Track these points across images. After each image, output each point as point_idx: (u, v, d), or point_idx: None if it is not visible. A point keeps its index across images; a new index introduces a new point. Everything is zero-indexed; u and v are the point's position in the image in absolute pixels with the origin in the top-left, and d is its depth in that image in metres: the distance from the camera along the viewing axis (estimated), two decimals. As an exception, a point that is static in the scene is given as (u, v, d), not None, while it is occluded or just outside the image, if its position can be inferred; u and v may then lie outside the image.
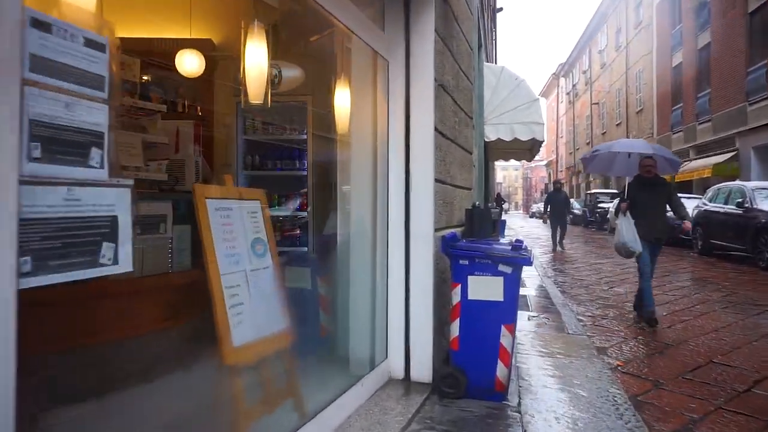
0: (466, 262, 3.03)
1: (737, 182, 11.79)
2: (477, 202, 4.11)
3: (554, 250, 13.17)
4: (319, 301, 3.35)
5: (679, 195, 15.85)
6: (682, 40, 21.30)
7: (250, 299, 2.14)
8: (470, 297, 3.02)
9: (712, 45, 18.53)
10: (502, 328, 2.98)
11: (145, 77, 3.39)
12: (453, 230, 3.72)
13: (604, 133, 33.65)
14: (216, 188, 2.17)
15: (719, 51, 18.00)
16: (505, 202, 28.93)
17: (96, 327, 2.23)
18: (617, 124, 30.58)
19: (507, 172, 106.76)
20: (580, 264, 10.50)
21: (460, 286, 3.04)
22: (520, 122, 7.66)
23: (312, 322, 3.34)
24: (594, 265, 10.31)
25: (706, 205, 12.34)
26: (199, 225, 1.99)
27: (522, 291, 6.69)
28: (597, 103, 35.18)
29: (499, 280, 2.98)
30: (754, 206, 10.13)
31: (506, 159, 12.69)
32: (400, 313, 3.23)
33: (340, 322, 3.34)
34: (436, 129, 3.34)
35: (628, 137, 28.08)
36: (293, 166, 3.85)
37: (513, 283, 2.99)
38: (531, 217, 52.05)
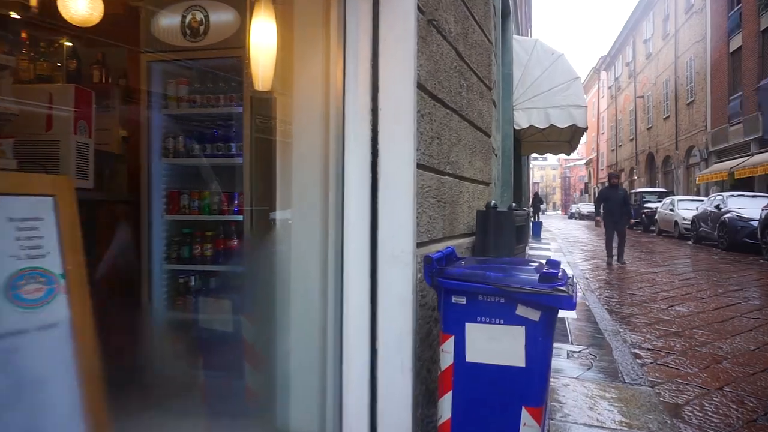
0: (463, 301, 1.83)
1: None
2: (494, 201, 2.89)
3: (609, 263, 10.13)
4: (244, 350, 2.23)
5: (741, 192, 13.96)
6: (741, 22, 19.28)
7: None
8: (470, 358, 1.82)
9: (778, 25, 16.55)
10: (524, 411, 1.76)
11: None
12: (452, 244, 2.51)
13: (649, 128, 31.48)
14: None
15: (786, 31, 16.03)
16: (542, 202, 27.26)
17: None
18: (665, 118, 28.43)
19: (544, 172, 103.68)
20: (629, 273, 9.03)
21: (453, 338, 1.84)
22: (557, 106, 6.36)
23: (233, 381, 2.21)
24: (646, 275, 8.84)
25: (778, 204, 10.64)
26: None
27: (560, 312, 5.41)
28: (642, 97, 32.97)
29: (519, 333, 1.77)
30: (844, 206, 8.46)
31: (541, 153, 11.25)
32: (362, 373, 2.05)
33: (273, 380, 2.20)
34: (421, 86, 2.15)
35: (677, 131, 26.02)
36: (227, 150, 2.73)
37: (542, 337, 1.77)
38: (570, 218, 49.80)
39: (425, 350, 2.15)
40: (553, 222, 38.11)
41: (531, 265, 2.00)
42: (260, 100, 2.55)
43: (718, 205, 14.06)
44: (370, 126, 2.07)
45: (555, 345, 4.25)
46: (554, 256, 11.45)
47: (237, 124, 2.67)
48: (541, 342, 1.75)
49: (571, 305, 1.69)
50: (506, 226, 2.76)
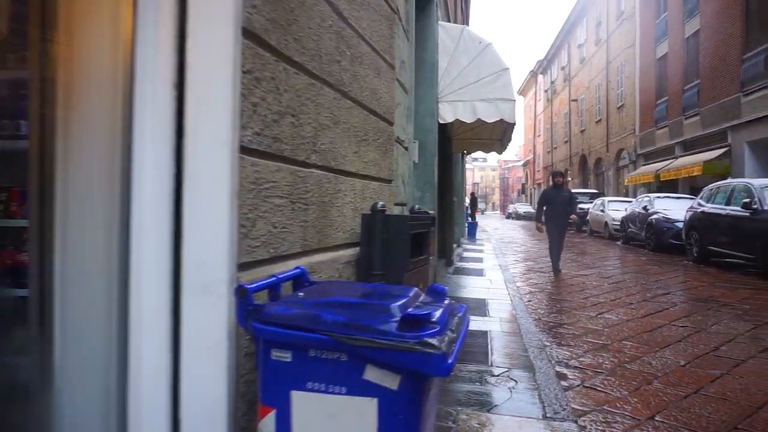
0: (288, 357, 1.19)
1: (742, 179, 10.24)
2: (381, 203, 2.28)
3: (556, 273, 8.86)
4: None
5: (667, 194, 14.19)
6: (668, 29, 19.89)
7: None
8: (297, 446, 1.19)
9: (702, 32, 17.10)
10: None
11: None
12: (323, 259, 1.88)
13: (582, 131, 32.33)
14: None
15: (710, 38, 16.56)
16: (478, 203, 27.29)
17: None
18: (597, 121, 29.22)
19: (485, 172, 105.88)
20: (561, 277, 8.76)
21: (274, 413, 1.20)
22: (485, 99, 5.88)
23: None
24: (577, 278, 8.59)
25: (702, 206, 10.77)
26: None
27: (483, 323, 4.92)
28: (576, 100, 33.86)
29: (368, 408, 1.15)
30: (765, 207, 8.54)
31: (472, 151, 10.87)
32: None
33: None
34: (252, 36, 1.49)
35: (608, 134, 26.73)
36: (16, 130, 1.98)
37: (404, 415, 1.15)
38: (507, 218, 50.77)
39: (254, 419, 1.51)
40: (490, 222, 38.55)
41: (404, 297, 1.39)
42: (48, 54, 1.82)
43: (646, 206, 14.27)
44: (174, 91, 1.40)
45: (473, 368, 3.74)
46: (487, 258, 11.17)
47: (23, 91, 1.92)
48: (402, 422, 1.14)
49: (442, 369, 1.08)
50: (398, 235, 2.16)
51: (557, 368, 3.79)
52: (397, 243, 2.14)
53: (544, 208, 8.87)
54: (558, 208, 8.67)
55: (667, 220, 12.91)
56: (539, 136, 48.36)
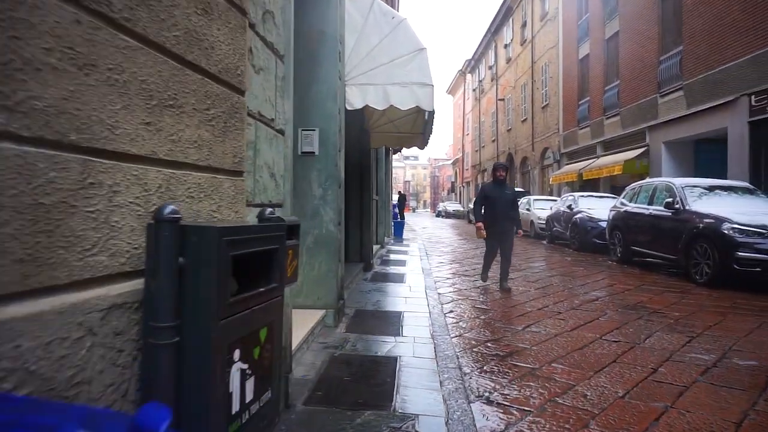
0: None
1: (664, 179, 10.15)
2: (170, 208, 1.37)
3: (484, 279, 7.75)
4: None
5: (591, 193, 14.14)
6: (589, 30, 20.20)
7: None
8: None
9: (621, 33, 17.38)
10: None
11: None
12: (69, 301, 0.95)
13: (509, 130, 32.73)
14: None
15: (628, 39, 16.83)
16: (409, 201, 26.84)
17: None
18: (523, 120, 29.59)
19: (416, 170, 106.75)
20: (486, 283, 8.19)
21: None
22: (398, 83, 5.09)
23: None
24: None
25: (625, 205, 10.63)
26: None
27: (394, 347, 4.10)
28: (503, 99, 34.25)
29: None
30: (686, 207, 8.38)
31: (392, 145, 10.13)
32: None
33: None
34: None
35: (533, 133, 27.05)
36: None
37: None
38: (437, 216, 50.99)
39: None
40: (420, 220, 38.36)
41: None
42: None
43: (570, 205, 14.18)
44: None
45: (370, 418, 2.90)
46: (411, 261, 10.49)
47: None
48: None
49: None
50: (201, 259, 1.28)
51: (477, 406, 3.05)
52: (201, 273, 1.27)
53: (483, 207, 7.26)
54: (499, 210, 7.06)
55: (591, 219, 12.82)
56: (468, 134, 48.87)
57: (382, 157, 12.63)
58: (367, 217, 8.50)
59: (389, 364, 3.71)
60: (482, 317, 5.56)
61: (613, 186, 18.77)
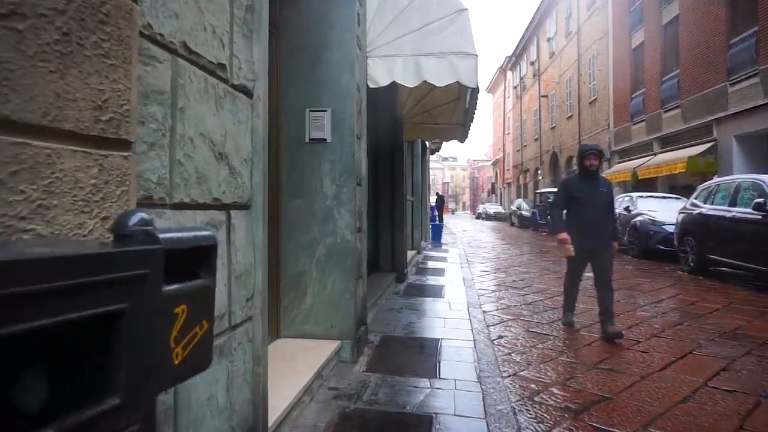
0: None
1: (748, 175, 8.70)
2: None
3: (568, 322, 5.25)
4: None
5: (651, 193, 12.70)
6: (643, 16, 18.56)
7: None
8: None
9: (681, 17, 15.75)
10: None
11: None
12: None
13: (553, 128, 31.07)
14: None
15: (691, 23, 15.21)
16: (445, 202, 25.66)
17: None
18: (568, 117, 27.93)
19: (455, 172, 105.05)
20: (536, 298, 7.02)
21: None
22: (433, 53, 4.04)
23: None
24: (558, 298, 6.87)
25: (698, 206, 9.21)
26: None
27: (429, 397, 2.99)
28: (546, 96, 32.59)
29: None
30: (782, 208, 6.98)
31: (429, 138, 9.02)
32: None
33: None
34: None
35: (579, 130, 25.45)
36: None
37: None
38: (477, 218, 49.44)
39: None
40: (459, 223, 37.07)
41: None
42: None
43: (628, 206, 12.76)
44: None
45: None
46: (450, 269, 9.35)
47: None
48: None
49: None
50: None
51: None
52: None
53: (565, 212, 4.97)
54: (591, 215, 4.75)
55: (654, 222, 11.39)
56: (509, 134, 47.20)
57: (418, 154, 11.57)
58: (399, 220, 7.47)
59: (421, 427, 2.66)
60: (539, 346, 4.45)
61: (672, 186, 17.10)
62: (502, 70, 47.37)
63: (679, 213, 9.92)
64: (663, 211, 11.77)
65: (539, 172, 35.23)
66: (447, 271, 8.91)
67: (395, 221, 7.47)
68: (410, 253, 10.39)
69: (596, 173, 4.90)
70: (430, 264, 10.10)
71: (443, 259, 10.99)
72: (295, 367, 3.01)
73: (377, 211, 7.45)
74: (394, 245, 7.47)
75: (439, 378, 3.41)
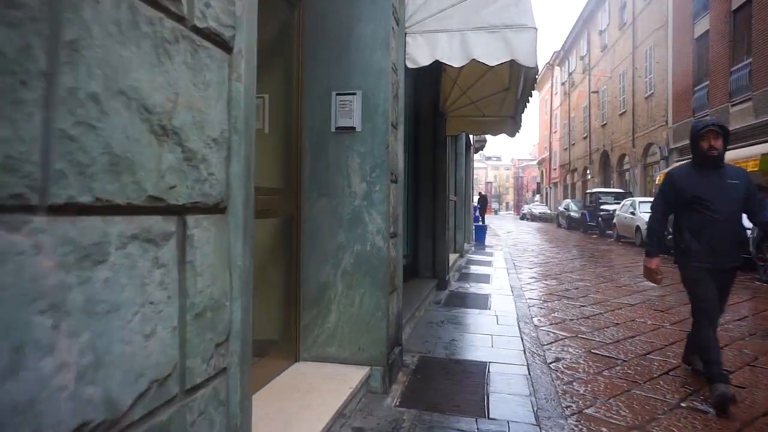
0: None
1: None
2: None
3: (722, 395, 3.03)
4: None
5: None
6: (708, 3, 17.17)
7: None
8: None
9: (754, 1, 14.40)
10: None
11: None
12: None
13: (604, 125, 29.58)
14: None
15: (765, 6, 13.86)
16: (491, 203, 24.73)
17: None
18: (621, 113, 26.46)
19: (498, 171, 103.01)
20: (597, 310, 6.27)
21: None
22: (484, 27, 3.42)
23: None
24: (620, 311, 6.09)
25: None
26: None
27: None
28: (596, 92, 31.06)
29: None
30: None
31: (475, 132, 8.33)
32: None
33: None
34: None
35: (633, 127, 24.05)
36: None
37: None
38: (521, 219, 47.99)
39: None
40: (503, 224, 35.95)
41: None
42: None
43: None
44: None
45: None
46: (496, 275, 8.61)
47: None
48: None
49: None
50: None
51: None
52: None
53: (672, 218, 3.59)
54: (722, 217, 3.27)
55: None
56: (555, 132, 45.54)
57: (462, 151, 10.89)
58: (441, 223, 6.84)
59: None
60: (605, 373, 3.75)
61: (740, 186, 15.73)
62: (550, 66, 45.74)
63: (756, 216, 8.87)
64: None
65: (588, 171, 33.70)
66: (492, 278, 8.21)
67: (437, 223, 6.84)
68: (452, 257, 9.74)
69: (720, 159, 3.38)
70: (474, 269, 9.42)
71: (488, 263, 10.28)
72: (311, 405, 2.46)
73: (417, 211, 6.85)
74: (435, 250, 6.85)
75: (488, 418, 2.79)
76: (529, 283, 8.08)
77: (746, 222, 3.44)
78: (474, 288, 7.12)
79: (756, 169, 12.88)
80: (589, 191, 23.41)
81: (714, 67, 16.69)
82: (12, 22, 0.70)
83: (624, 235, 17.19)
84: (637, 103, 24.17)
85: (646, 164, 23.47)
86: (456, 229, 10.84)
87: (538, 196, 55.48)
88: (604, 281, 8.43)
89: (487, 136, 28.72)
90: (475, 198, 20.29)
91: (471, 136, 13.41)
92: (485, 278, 8.14)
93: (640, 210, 15.78)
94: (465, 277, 8.29)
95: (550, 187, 48.31)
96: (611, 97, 28.25)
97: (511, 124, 6.73)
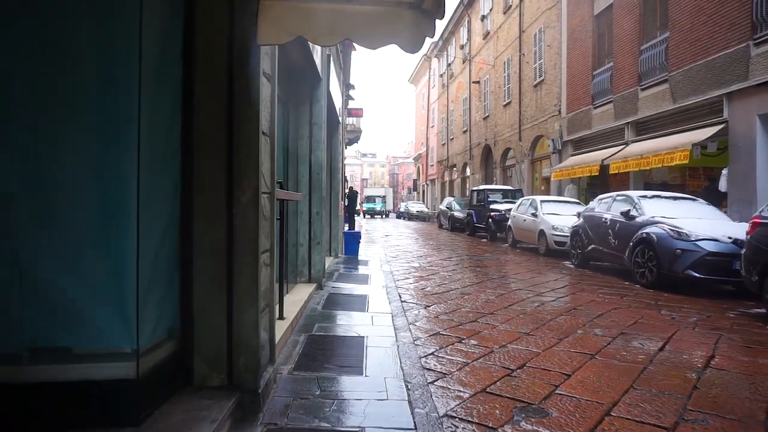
0: None
1: None
2: None
3: None
4: None
5: (657, 193, 8.48)
6: (611, -27, 15.04)
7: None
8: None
9: (673, -36, 12.23)
10: None
11: None
12: None
13: (486, 117, 27.53)
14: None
15: (687, -30, 11.69)
16: (358, 198, 21.03)
17: None
18: (505, 104, 24.37)
19: (374, 168, 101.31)
20: (487, 347, 2.54)
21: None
22: None
23: None
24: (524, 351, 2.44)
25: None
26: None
27: None
28: (478, 82, 29.01)
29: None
30: None
31: (329, 42, 4.23)
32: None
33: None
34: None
35: (520, 119, 21.89)
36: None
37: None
38: (398, 217, 45.50)
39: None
40: (380, 224, 32.72)
41: None
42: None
43: (629, 211, 8.84)
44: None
45: None
46: (375, 335, 4.51)
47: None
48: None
49: None
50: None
51: None
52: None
53: None
54: None
55: (680, 236, 7.47)
56: (433, 126, 43.62)
57: (320, 122, 6.84)
58: (249, 254, 2.71)
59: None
60: None
61: (647, 183, 13.71)
62: (427, 58, 43.67)
63: (753, 222, 6.01)
64: (686, 218, 7.97)
65: (468, 167, 31.72)
66: (369, 348, 4.29)
67: (236, 256, 2.72)
68: (299, 297, 5.71)
69: None
70: (340, 319, 5.44)
71: (361, 302, 6.35)
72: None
73: (188, 230, 2.67)
74: (234, 317, 2.73)
75: None
76: (438, 358, 4.26)
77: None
78: (335, 393, 3.10)
79: (685, 161, 10.52)
80: (475, 189, 20.76)
81: (619, 46, 14.51)
82: None
83: (522, 240, 14.45)
84: (524, 92, 22.07)
85: (533, 159, 21.41)
86: (312, 243, 6.80)
87: (414, 194, 53.65)
88: (539, 326, 4.91)
89: (361, 124, 24.82)
90: (344, 192, 16.45)
91: (340, 105, 9.39)
92: (357, 348, 4.18)
93: (543, 211, 13.03)
94: (321, 348, 4.25)
95: (427, 185, 46.44)
96: (494, 87, 26.18)
97: (413, 20, 2.79)
